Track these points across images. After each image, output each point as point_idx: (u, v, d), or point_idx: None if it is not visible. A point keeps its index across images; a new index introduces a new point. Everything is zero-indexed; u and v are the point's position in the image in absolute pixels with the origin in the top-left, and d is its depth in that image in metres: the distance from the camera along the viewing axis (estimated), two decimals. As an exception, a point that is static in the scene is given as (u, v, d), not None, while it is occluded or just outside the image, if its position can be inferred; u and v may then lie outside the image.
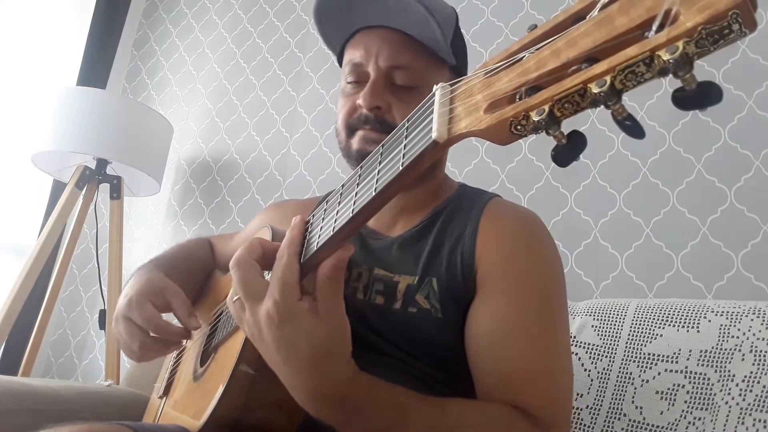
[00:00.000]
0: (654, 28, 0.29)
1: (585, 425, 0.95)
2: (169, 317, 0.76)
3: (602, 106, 0.31)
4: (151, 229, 2.11)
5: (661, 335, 0.95)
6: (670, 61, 0.28)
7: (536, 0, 1.65)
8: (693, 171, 1.32)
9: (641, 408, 0.91)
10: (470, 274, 0.71)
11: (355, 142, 0.76)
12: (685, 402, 0.87)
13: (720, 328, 0.90)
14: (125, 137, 1.73)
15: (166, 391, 0.90)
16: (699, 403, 0.86)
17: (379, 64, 0.74)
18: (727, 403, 0.83)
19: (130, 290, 0.76)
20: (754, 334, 0.87)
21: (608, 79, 0.30)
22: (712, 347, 0.89)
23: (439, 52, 0.73)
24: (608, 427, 0.93)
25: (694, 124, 1.35)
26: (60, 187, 1.91)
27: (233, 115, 2.09)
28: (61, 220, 1.71)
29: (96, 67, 2.23)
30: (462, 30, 0.83)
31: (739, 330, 0.88)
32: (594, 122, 1.44)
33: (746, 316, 0.89)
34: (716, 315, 0.92)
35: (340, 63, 0.82)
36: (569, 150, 0.34)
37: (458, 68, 0.79)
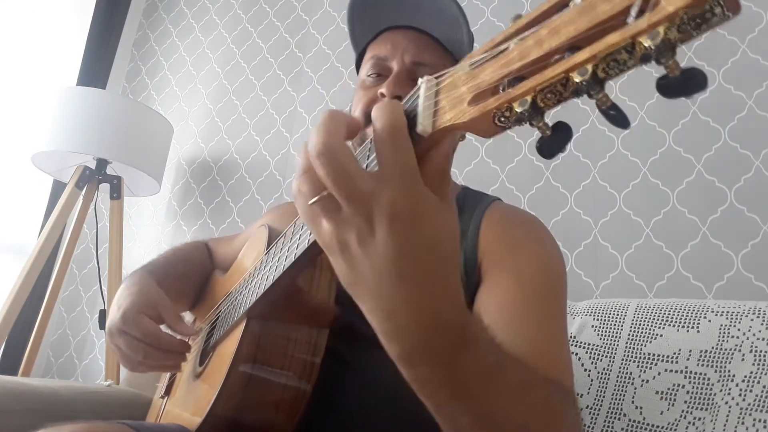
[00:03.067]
0: (633, 13, 0.28)
1: (585, 425, 0.95)
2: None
3: (585, 96, 0.31)
4: (151, 229, 2.11)
5: (661, 335, 0.95)
6: (652, 47, 0.27)
7: (536, 0, 1.65)
8: (693, 171, 1.32)
9: (641, 408, 0.91)
10: (473, 269, 0.72)
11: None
12: (685, 402, 0.87)
13: (720, 328, 0.90)
14: (125, 137, 1.73)
15: (168, 391, 0.91)
16: (699, 403, 0.86)
17: (404, 59, 0.77)
18: (727, 403, 0.83)
19: (123, 302, 0.76)
20: (754, 334, 0.87)
21: (590, 67, 0.30)
22: (712, 347, 0.89)
23: (460, 57, 0.76)
24: (608, 427, 0.93)
25: (694, 124, 1.35)
26: (60, 187, 1.91)
27: (233, 115, 2.08)
28: (61, 220, 1.71)
29: (96, 67, 2.23)
30: None
31: (739, 330, 0.88)
32: (594, 122, 1.44)
33: (746, 316, 0.89)
34: (716, 315, 0.92)
35: (359, 62, 0.85)
36: (554, 141, 0.33)
37: None
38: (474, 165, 1.58)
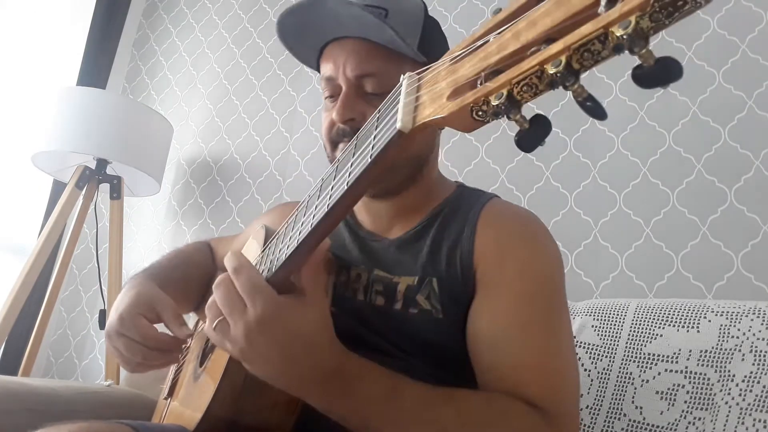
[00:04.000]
0: (603, 3, 0.28)
1: (585, 425, 0.95)
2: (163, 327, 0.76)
3: (561, 87, 0.31)
4: (151, 229, 2.11)
5: (661, 335, 0.95)
6: (624, 36, 0.27)
7: (536, 0, 1.65)
8: (693, 171, 1.32)
9: (641, 408, 0.91)
10: (469, 274, 0.71)
11: (339, 155, 0.76)
12: (685, 402, 0.87)
13: (720, 328, 0.90)
14: (125, 137, 1.73)
15: (171, 392, 0.91)
16: (699, 403, 0.86)
17: (347, 75, 0.74)
18: (727, 403, 0.83)
19: (121, 305, 0.76)
20: (754, 334, 0.87)
21: (563, 58, 0.29)
22: (712, 347, 0.89)
23: (403, 52, 0.72)
24: (608, 427, 0.93)
25: (694, 124, 1.35)
26: (60, 187, 1.91)
27: (233, 115, 2.09)
28: (61, 220, 1.71)
29: (96, 67, 2.23)
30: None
31: (739, 330, 0.88)
32: (594, 122, 1.44)
33: (746, 316, 0.89)
34: (716, 315, 0.92)
35: None
36: (532, 134, 0.33)
37: (431, 62, 0.79)
38: (474, 165, 1.58)
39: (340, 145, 0.76)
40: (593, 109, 0.31)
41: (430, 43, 0.77)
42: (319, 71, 0.82)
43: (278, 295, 0.53)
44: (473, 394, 0.62)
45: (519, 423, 0.59)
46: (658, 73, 0.28)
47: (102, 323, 1.81)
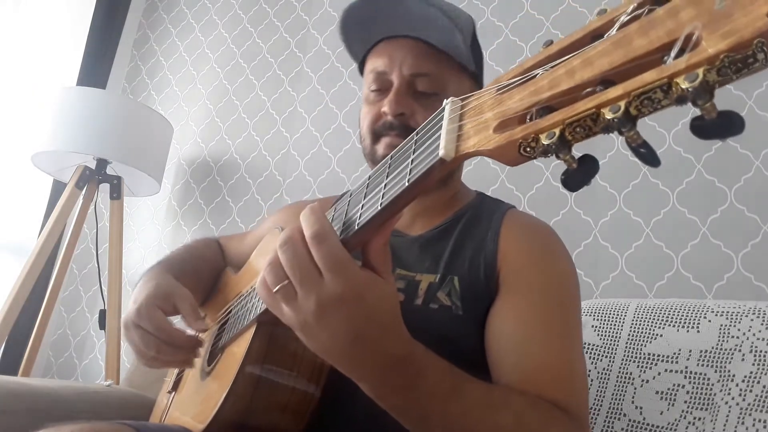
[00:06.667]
0: (673, 54, 0.27)
1: (585, 425, 0.95)
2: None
3: (616, 132, 0.29)
4: (151, 229, 2.11)
5: (661, 335, 0.95)
6: (689, 89, 0.26)
7: (536, 0, 1.65)
8: (693, 171, 1.32)
9: (641, 408, 0.91)
10: (492, 275, 0.73)
11: (381, 148, 0.78)
12: (685, 402, 0.87)
13: (720, 328, 0.90)
14: (125, 137, 1.73)
15: (175, 387, 0.91)
16: (699, 403, 0.86)
17: (402, 72, 0.76)
18: (727, 403, 0.83)
19: (139, 296, 0.76)
20: (754, 334, 0.87)
21: (622, 104, 0.28)
22: (712, 347, 0.89)
23: (461, 60, 0.76)
24: (608, 427, 0.93)
25: (694, 124, 1.35)
26: (60, 187, 1.91)
27: (233, 115, 2.08)
28: (61, 220, 1.71)
29: (96, 67, 2.23)
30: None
31: (739, 330, 0.88)
32: (594, 122, 1.44)
33: (746, 316, 0.89)
34: (716, 315, 0.92)
35: (361, 71, 0.85)
36: (580, 175, 0.32)
37: (476, 74, 0.82)
38: (474, 165, 1.58)
39: (383, 139, 0.78)
40: (647, 156, 0.30)
41: (475, 54, 0.82)
42: (357, 58, 0.85)
43: (361, 271, 0.46)
44: (522, 397, 0.61)
45: (559, 429, 0.60)
46: (719, 127, 0.27)
47: (102, 323, 1.81)
